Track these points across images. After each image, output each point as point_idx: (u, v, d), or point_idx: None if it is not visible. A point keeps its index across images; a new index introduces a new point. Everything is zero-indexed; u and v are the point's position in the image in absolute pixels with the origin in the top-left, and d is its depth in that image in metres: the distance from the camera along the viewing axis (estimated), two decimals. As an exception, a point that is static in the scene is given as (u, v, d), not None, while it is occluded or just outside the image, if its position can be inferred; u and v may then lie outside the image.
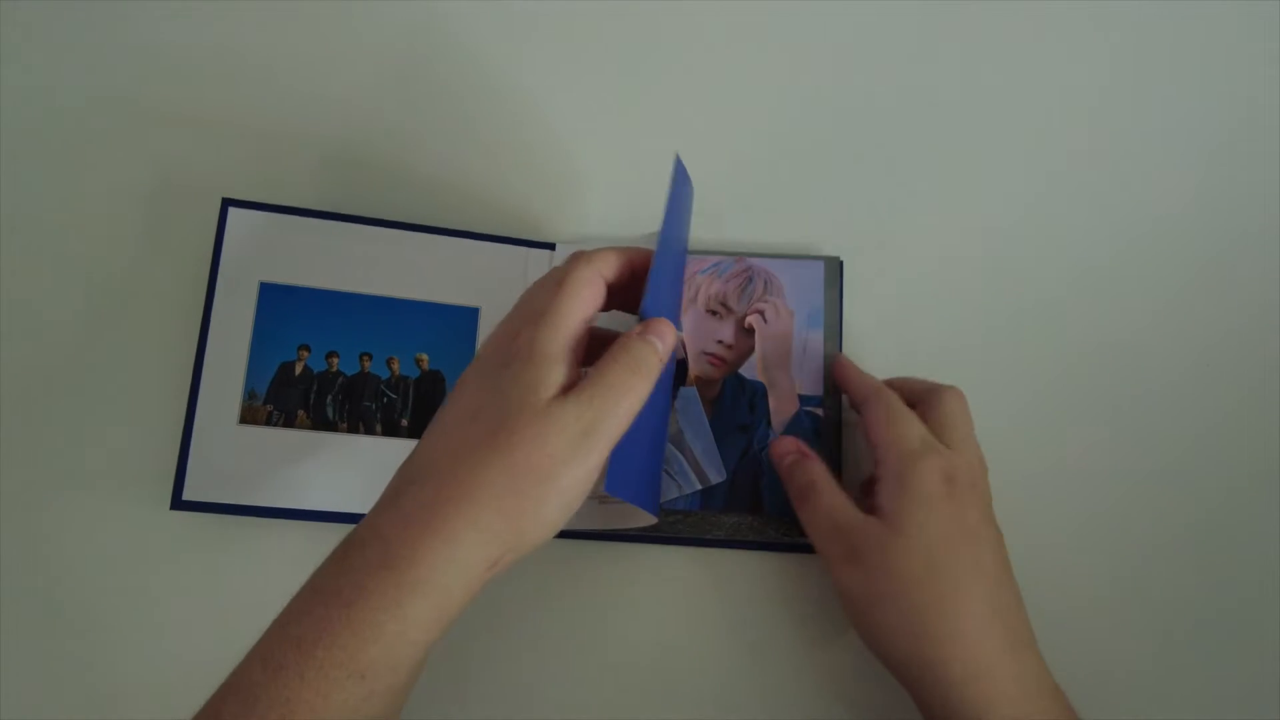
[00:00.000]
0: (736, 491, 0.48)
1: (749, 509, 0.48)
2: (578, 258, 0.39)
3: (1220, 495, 0.51)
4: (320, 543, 0.46)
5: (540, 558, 0.47)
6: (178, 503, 0.44)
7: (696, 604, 0.48)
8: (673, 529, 0.48)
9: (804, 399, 0.49)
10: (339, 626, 0.32)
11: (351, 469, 0.46)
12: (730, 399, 0.49)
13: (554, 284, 0.38)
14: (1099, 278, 0.54)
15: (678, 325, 0.40)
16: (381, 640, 0.32)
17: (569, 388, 0.36)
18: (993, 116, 0.56)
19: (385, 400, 0.47)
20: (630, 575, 0.48)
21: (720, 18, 0.56)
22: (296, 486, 0.46)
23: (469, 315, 0.49)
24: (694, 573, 0.48)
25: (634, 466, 0.39)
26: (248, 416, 0.46)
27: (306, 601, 0.33)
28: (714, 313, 0.50)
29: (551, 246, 0.51)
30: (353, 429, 0.47)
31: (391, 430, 0.47)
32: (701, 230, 0.53)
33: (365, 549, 0.33)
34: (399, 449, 0.47)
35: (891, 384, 0.47)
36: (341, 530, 0.45)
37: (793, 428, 0.48)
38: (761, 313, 0.50)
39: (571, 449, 0.34)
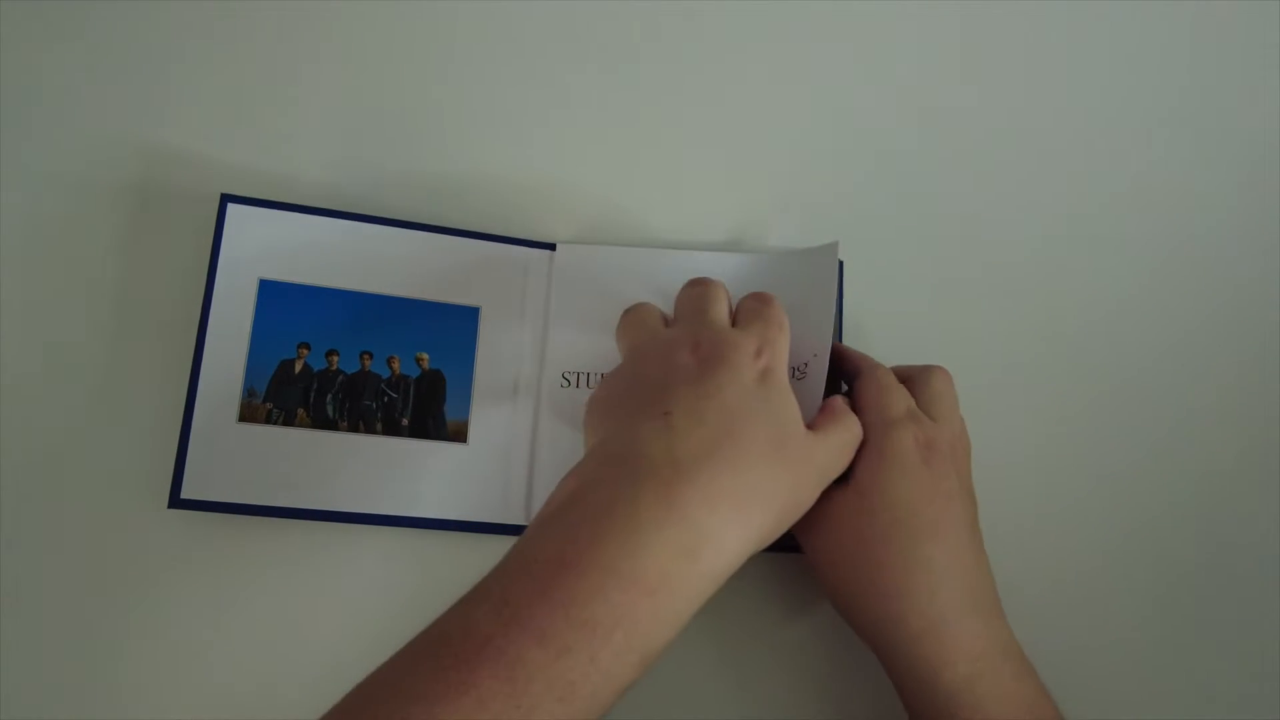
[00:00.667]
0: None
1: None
2: (765, 297, 0.43)
3: (1215, 484, 0.52)
4: (321, 543, 0.46)
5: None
6: (175, 501, 0.44)
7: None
8: None
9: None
10: (642, 614, 0.31)
11: (352, 468, 0.46)
12: None
13: (772, 319, 0.42)
14: (1097, 273, 0.55)
15: None
16: (677, 629, 0.33)
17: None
18: (996, 117, 0.57)
19: (386, 399, 0.47)
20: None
21: (723, 18, 0.56)
22: (296, 485, 0.45)
23: (469, 314, 0.49)
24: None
25: None
26: (247, 414, 0.46)
27: (593, 581, 0.31)
28: None
29: (552, 247, 0.51)
30: (353, 428, 0.47)
31: (392, 429, 0.47)
32: (701, 233, 0.53)
33: (665, 531, 0.32)
34: (400, 448, 0.47)
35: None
36: (343, 530, 0.46)
37: None
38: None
39: (815, 484, 0.39)
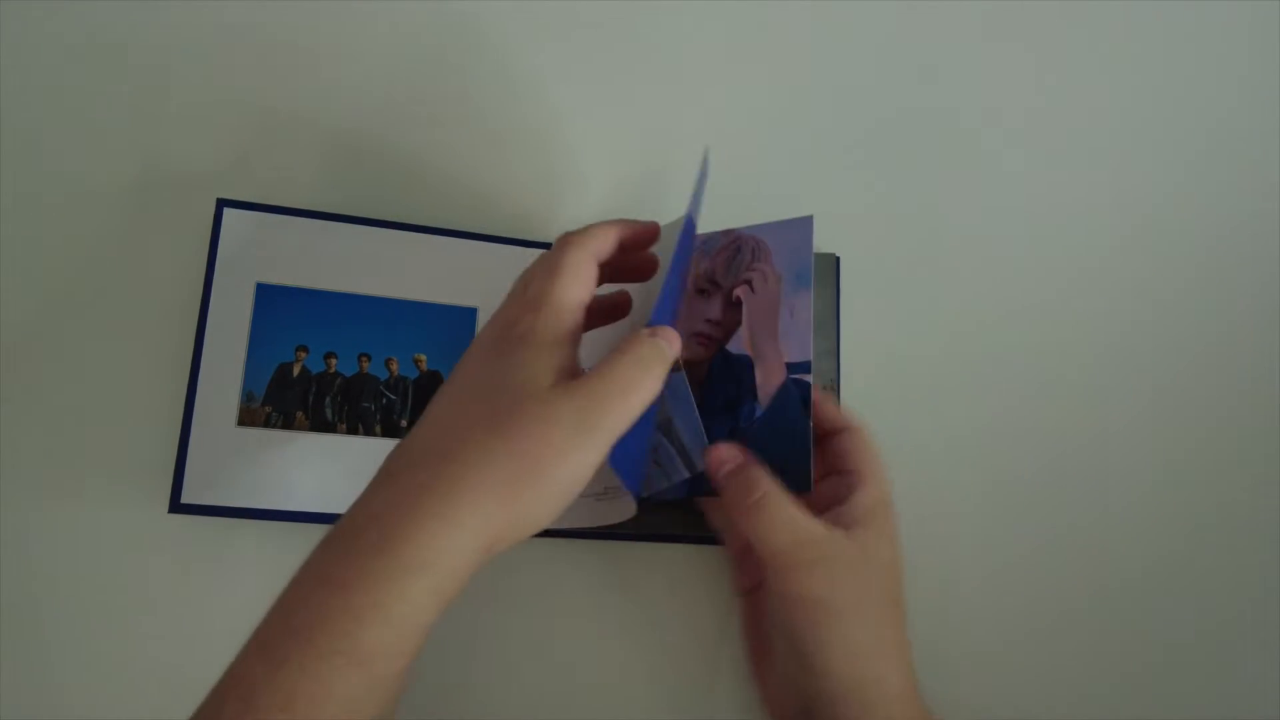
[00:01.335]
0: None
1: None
2: (569, 241, 0.39)
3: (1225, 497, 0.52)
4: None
5: (523, 557, 0.47)
6: (176, 506, 0.44)
7: (683, 601, 0.48)
8: (660, 526, 0.48)
9: (791, 366, 0.46)
10: (338, 613, 0.31)
11: (352, 470, 0.46)
12: (717, 377, 0.47)
13: (548, 269, 0.38)
14: (1093, 273, 0.55)
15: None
16: (382, 624, 0.31)
17: (570, 375, 0.36)
18: (992, 114, 0.57)
19: (384, 401, 0.47)
20: (616, 573, 0.48)
21: (718, 15, 0.56)
22: (297, 488, 0.45)
23: (467, 315, 0.49)
24: (682, 569, 0.49)
25: (629, 450, 0.39)
26: (246, 418, 0.46)
27: (303, 589, 0.33)
28: (703, 291, 0.48)
29: (547, 245, 0.51)
30: (352, 430, 0.47)
31: (391, 431, 0.47)
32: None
33: (361, 533, 0.33)
34: (399, 450, 0.47)
35: None
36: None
37: (780, 399, 0.45)
38: (749, 282, 0.47)
39: (571, 441, 0.34)
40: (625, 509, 0.44)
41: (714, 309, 0.48)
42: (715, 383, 0.47)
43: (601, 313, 0.44)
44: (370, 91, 0.53)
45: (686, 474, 0.46)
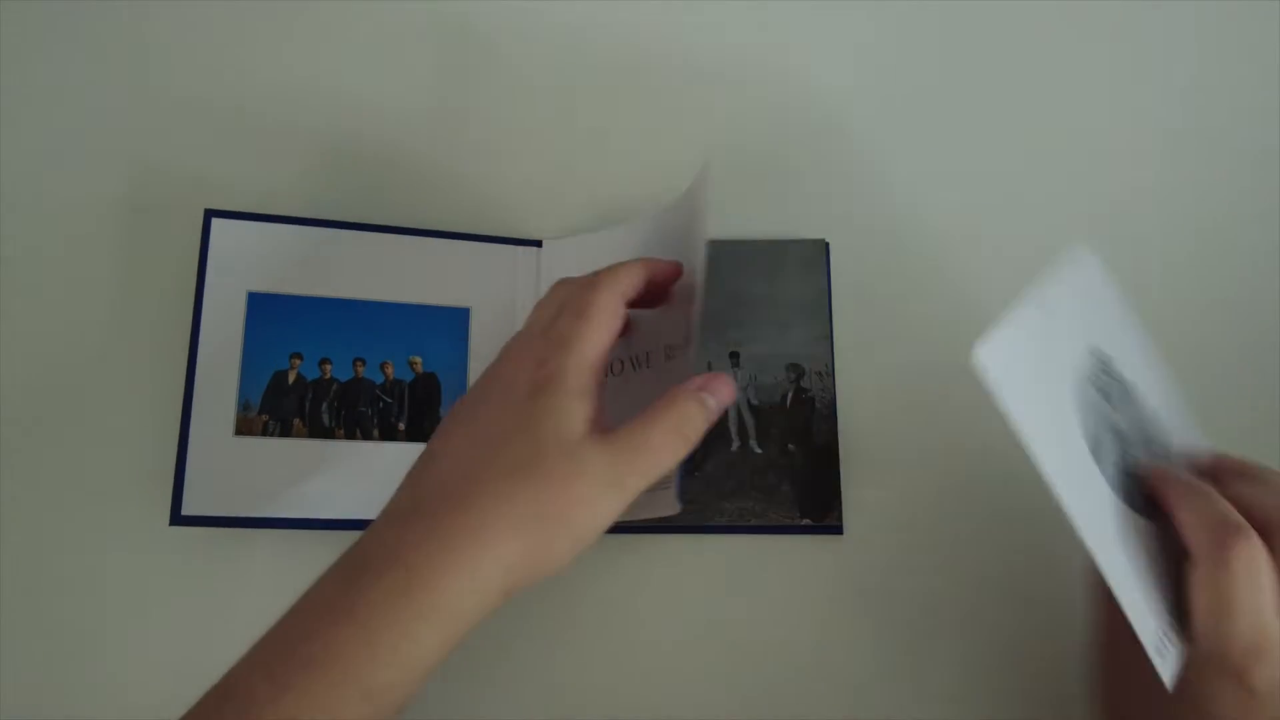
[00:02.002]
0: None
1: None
2: (599, 282, 0.38)
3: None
4: (324, 552, 0.46)
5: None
6: (177, 518, 0.44)
7: (708, 592, 0.49)
8: (681, 517, 0.48)
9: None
10: (355, 648, 0.31)
11: (351, 475, 0.46)
12: None
13: (578, 310, 0.37)
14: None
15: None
16: (395, 664, 0.32)
17: (599, 425, 0.35)
18: (985, 100, 0.57)
19: (381, 405, 0.47)
20: (639, 566, 0.48)
21: (704, 16, 0.56)
22: (297, 496, 0.45)
23: (460, 316, 0.49)
24: (703, 560, 0.49)
25: None
26: (243, 427, 0.46)
27: (317, 618, 0.33)
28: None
29: (538, 244, 0.51)
30: (349, 435, 0.47)
31: (389, 434, 0.47)
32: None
33: (384, 572, 0.32)
34: (397, 453, 0.47)
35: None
36: (345, 538, 0.46)
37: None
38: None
39: (599, 495, 0.34)
40: (666, 504, 0.44)
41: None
42: None
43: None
44: (356, 96, 0.53)
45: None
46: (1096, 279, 0.43)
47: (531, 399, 0.35)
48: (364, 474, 0.46)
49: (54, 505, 0.45)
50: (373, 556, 0.34)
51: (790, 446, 0.49)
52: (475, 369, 0.48)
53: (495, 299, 0.50)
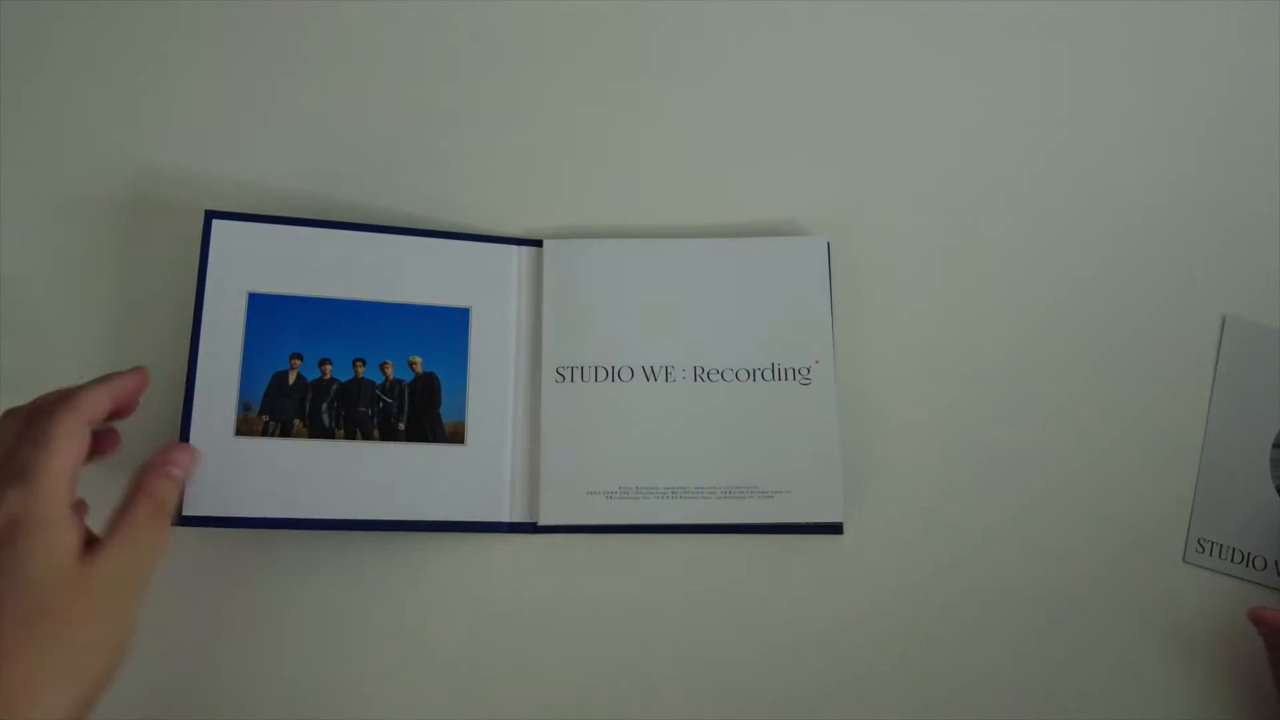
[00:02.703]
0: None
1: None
2: (57, 407, 0.37)
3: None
4: (325, 552, 0.46)
5: (554, 554, 0.47)
6: (179, 519, 0.44)
7: (714, 591, 0.48)
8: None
9: None
10: None
11: (352, 475, 0.46)
12: None
13: (36, 440, 0.36)
14: (1091, 263, 0.54)
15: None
16: None
17: (86, 542, 0.36)
18: (987, 100, 0.57)
19: (381, 405, 0.47)
20: (638, 567, 0.48)
21: (706, 15, 0.56)
22: (297, 496, 0.45)
23: (460, 315, 0.49)
24: (701, 560, 0.49)
25: None
26: (244, 428, 0.46)
27: None
28: None
29: (538, 244, 0.51)
30: (350, 435, 0.47)
31: (389, 435, 0.47)
32: (689, 216, 0.53)
33: None
34: (398, 453, 0.47)
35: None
36: (346, 538, 0.46)
37: None
38: None
39: (115, 604, 0.36)
40: None
41: None
42: None
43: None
44: (356, 94, 0.53)
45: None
46: None
47: (10, 546, 0.34)
48: (364, 474, 0.46)
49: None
50: None
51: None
52: (475, 369, 0.48)
53: (495, 299, 0.50)
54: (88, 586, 0.35)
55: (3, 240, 0.49)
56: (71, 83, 0.51)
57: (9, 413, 0.38)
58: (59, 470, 0.36)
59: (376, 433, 0.47)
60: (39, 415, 0.37)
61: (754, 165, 0.54)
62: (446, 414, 0.48)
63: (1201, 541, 0.50)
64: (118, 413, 0.41)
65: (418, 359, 0.48)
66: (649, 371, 0.50)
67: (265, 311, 0.47)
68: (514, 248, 0.51)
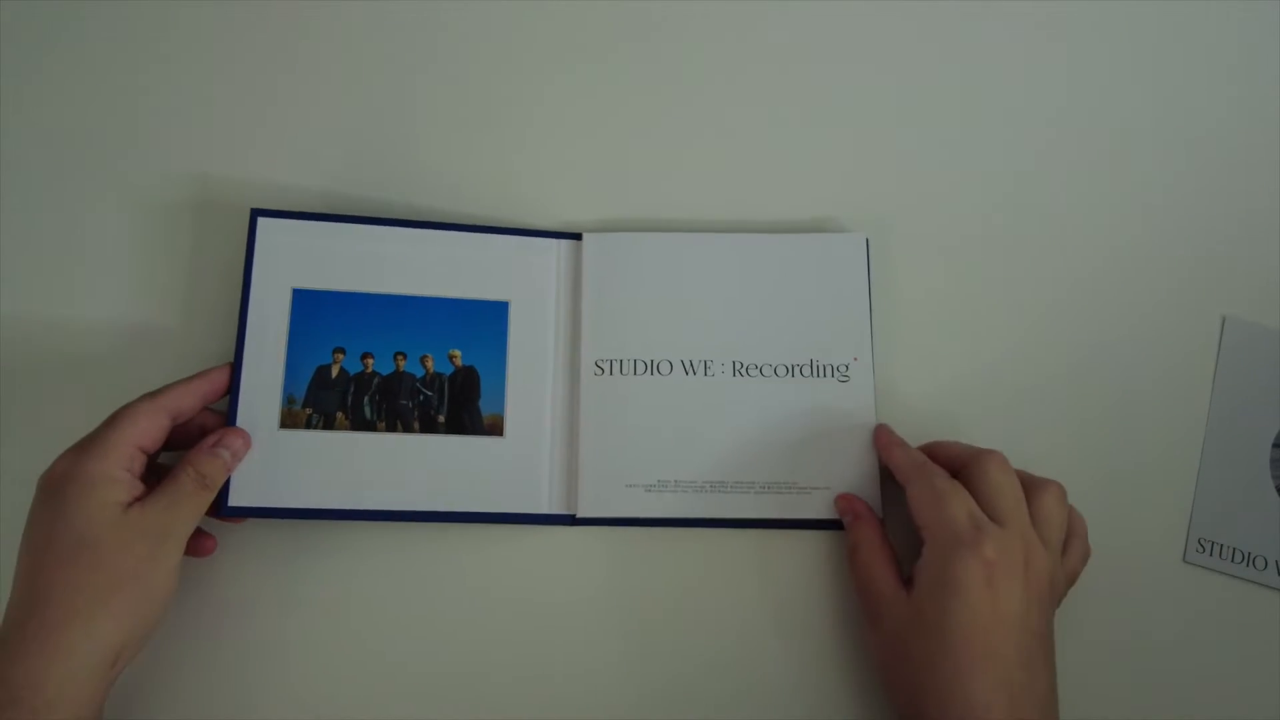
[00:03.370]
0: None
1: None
2: (141, 397, 0.43)
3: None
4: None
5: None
6: (223, 509, 0.45)
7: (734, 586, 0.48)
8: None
9: None
10: None
11: (393, 467, 0.47)
12: None
13: (108, 421, 0.42)
14: (1091, 263, 0.54)
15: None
16: None
17: (136, 497, 0.40)
18: (1014, 100, 0.56)
19: (421, 398, 0.48)
20: (640, 562, 0.48)
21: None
22: (340, 486, 0.46)
23: (499, 309, 0.49)
24: (705, 554, 0.48)
25: None
26: (288, 421, 0.46)
27: None
28: None
29: (577, 237, 0.51)
30: (391, 428, 0.47)
31: (429, 427, 0.47)
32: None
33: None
34: (438, 445, 0.47)
35: (931, 452, 0.46)
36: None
37: None
38: None
39: (151, 548, 0.40)
40: None
41: None
42: None
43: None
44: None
45: None
46: None
47: (56, 497, 0.39)
48: (405, 466, 0.47)
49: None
50: None
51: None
52: (514, 362, 0.49)
53: (534, 292, 0.50)
54: (126, 530, 0.39)
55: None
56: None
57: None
58: (117, 440, 0.41)
59: (417, 425, 0.47)
60: (124, 405, 0.43)
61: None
62: (486, 406, 0.48)
63: (1201, 541, 0.50)
64: (207, 402, 0.46)
65: (457, 352, 0.49)
66: (688, 365, 0.49)
67: (309, 306, 0.48)
68: (553, 241, 0.51)
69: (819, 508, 0.48)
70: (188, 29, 0.54)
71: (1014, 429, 0.50)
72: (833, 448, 0.48)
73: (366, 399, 0.47)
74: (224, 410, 0.46)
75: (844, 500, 0.47)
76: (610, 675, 0.46)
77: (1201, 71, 0.57)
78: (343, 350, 0.48)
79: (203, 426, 0.46)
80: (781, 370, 0.49)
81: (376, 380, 0.48)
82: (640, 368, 0.49)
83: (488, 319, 0.49)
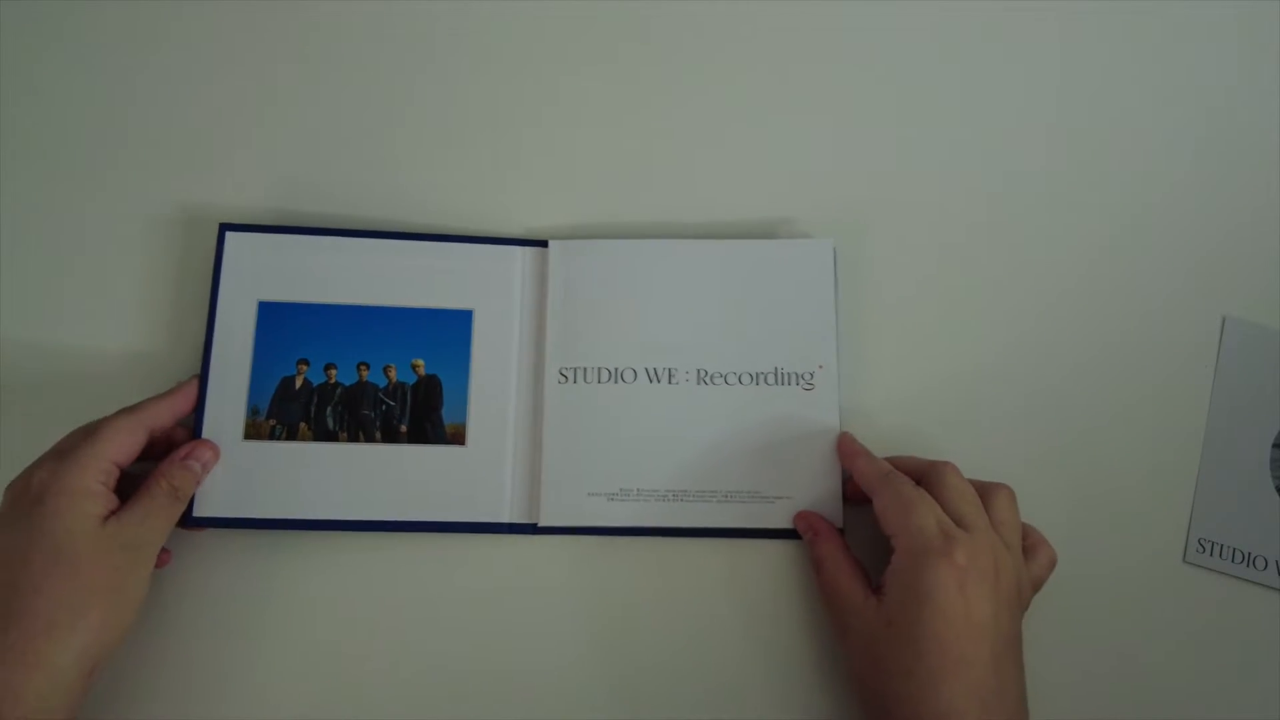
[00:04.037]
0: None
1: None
2: (119, 411, 0.44)
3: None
4: (328, 552, 0.47)
5: (554, 555, 0.47)
6: (188, 520, 0.45)
7: (709, 595, 0.47)
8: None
9: None
10: None
11: (355, 477, 0.47)
12: None
13: (86, 433, 0.43)
14: (1091, 263, 0.52)
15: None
16: None
17: (111, 511, 0.41)
18: (990, 101, 0.55)
19: (384, 408, 0.48)
20: (633, 569, 0.48)
21: (711, 15, 0.56)
22: (302, 497, 0.46)
23: (463, 318, 0.49)
24: (698, 562, 0.48)
25: None
26: (251, 432, 0.47)
27: None
28: None
29: (542, 244, 0.51)
30: (353, 438, 0.47)
31: (391, 437, 0.48)
32: (692, 215, 0.52)
33: None
34: (399, 454, 0.47)
35: (893, 464, 0.46)
36: (349, 539, 0.47)
37: None
38: None
39: (129, 561, 0.41)
40: None
41: None
42: None
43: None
44: (360, 99, 0.54)
45: None
46: None
47: (35, 508, 0.40)
48: (366, 476, 0.47)
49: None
50: None
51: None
52: (477, 371, 0.49)
53: (499, 300, 0.50)
54: (104, 543, 0.40)
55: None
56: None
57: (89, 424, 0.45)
58: (95, 454, 0.42)
59: (379, 435, 0.48)
60: (103, 419, 0.44)
61: (761, 165, 0.54)
62: (448, 415, 0.48)
63: (1201, 541, 0.49)
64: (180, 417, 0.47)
65: (420, 361, 0.49)
66: (652, 373, 0.49)
67: (274, 319, 0.48)
68: (517, 249, 0.51)
69: (782, 517, 0.47)
70: (168, 50, 0.55)
71: (1009, 433, 0.50)
72: (797, 456, 0.48)
73: (329, 409, 0.48)
74: (189, 424, 0.47)
75: (802, 519, 0.47)
76: (574, 684, 0.46)
77: (1201, 71, 0.56)
78: (306, 361, 0.48)
79: (169, 438, 0.46)
80: (746, 378, 0.49)
81: (339, 390, 0.48)
82: (605, 375, 0.49)
83: (452, 328, 0.49)
